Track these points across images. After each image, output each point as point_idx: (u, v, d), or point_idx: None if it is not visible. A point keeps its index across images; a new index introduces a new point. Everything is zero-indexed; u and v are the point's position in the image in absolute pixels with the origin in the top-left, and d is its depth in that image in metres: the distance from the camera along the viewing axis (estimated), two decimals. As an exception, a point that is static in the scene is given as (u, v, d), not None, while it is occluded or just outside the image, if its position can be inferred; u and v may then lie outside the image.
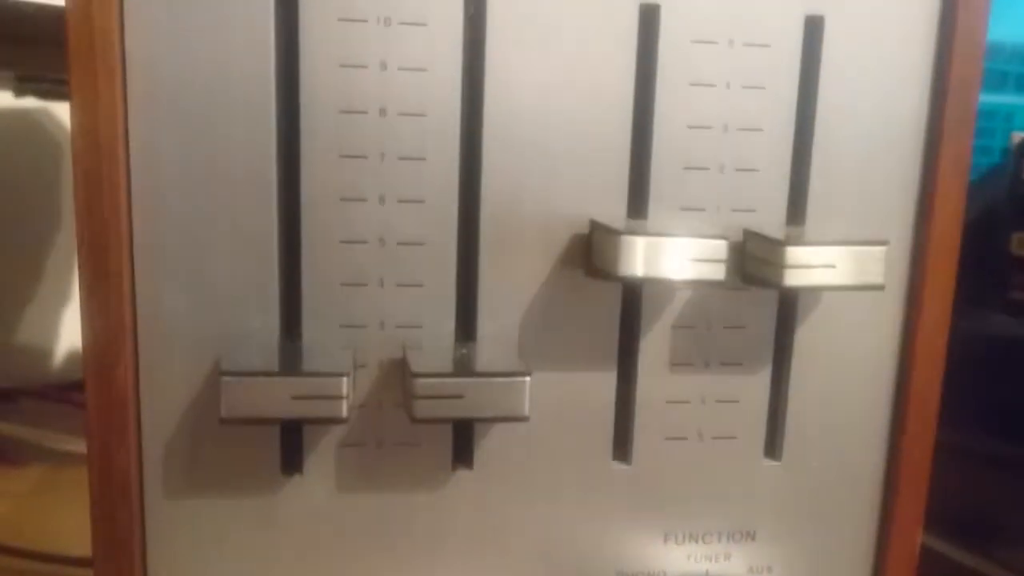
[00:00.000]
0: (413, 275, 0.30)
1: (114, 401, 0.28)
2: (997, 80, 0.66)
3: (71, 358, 0.76)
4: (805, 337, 0.32)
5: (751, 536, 0.33)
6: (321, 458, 0.30)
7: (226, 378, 0.26)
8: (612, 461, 0.32)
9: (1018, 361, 0.45)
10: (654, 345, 0.31)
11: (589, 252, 0.30)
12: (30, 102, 0.69)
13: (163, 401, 0.29)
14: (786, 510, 0.33)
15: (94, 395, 0.28)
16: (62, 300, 0.75)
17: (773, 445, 0.33)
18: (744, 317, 0.32)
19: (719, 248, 0.28)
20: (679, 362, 0.32)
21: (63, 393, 0.70)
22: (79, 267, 0.27)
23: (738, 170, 0.31)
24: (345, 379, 0.26)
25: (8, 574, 0.47)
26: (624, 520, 0.32)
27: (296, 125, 0.28)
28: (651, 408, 0.32)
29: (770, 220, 0.31)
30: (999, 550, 0.46)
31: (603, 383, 0.31)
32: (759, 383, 0.32)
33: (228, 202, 0.28)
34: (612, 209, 0.30)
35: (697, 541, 0.33)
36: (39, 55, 0.49)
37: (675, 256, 0.28)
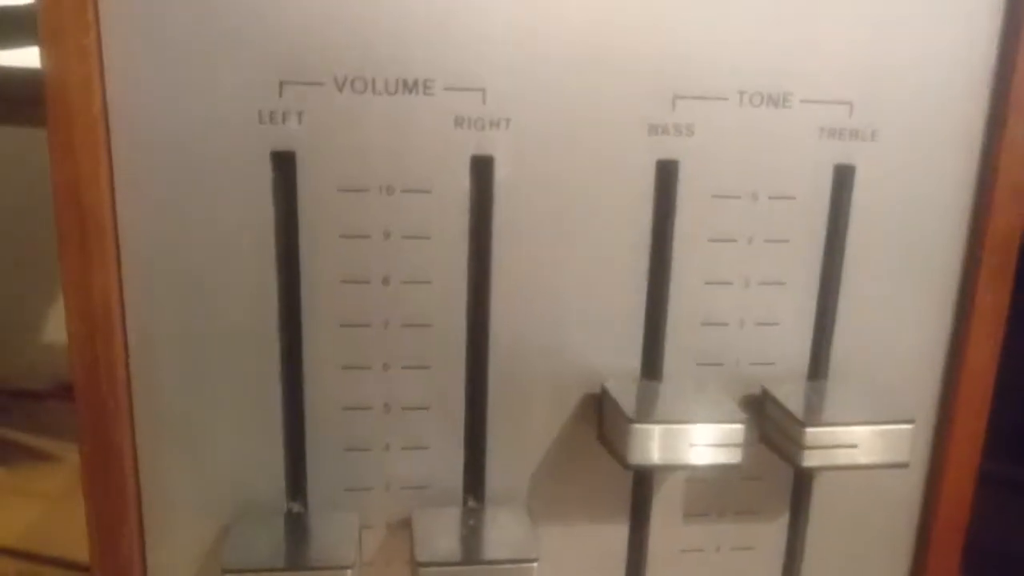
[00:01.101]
0: (419, 439, 0.29)
1: (120, 573, 0.28)
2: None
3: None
4: (823, 486, 0.31)
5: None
6: (328, 617, 0.30)
7: None
8: (623, 605, 0.32)
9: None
10: (668, 498, 0.31)
11: (600, 419, 0.29)
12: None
13: (171, 570, 0.29)
14: (800, 653, 0.33)
15: (100, 567, 0.28)
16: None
17: (789, 586, 0.32)
18: (761, 468, 0.31)
19: (736, 433, 0.27)
20: (694, 513, 0.31)
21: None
22: (79, 441, 0.27)
23: (758, 324, 0.30)
24: (349, 572, 0.26)
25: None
26: (634, 664, 0.32)
27: (297, 294, 0.27)
28: (664, 557, 0.31)
29: (790, 372, 0.30)
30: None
31: (615, 534, 0.31)
32: (776, 530, 0.32)
33: (230, 372, 0.27)
34: (625, 363, 0.29)
35: None
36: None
37: (689, 443, 0.27)
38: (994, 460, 0.39)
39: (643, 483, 0.30)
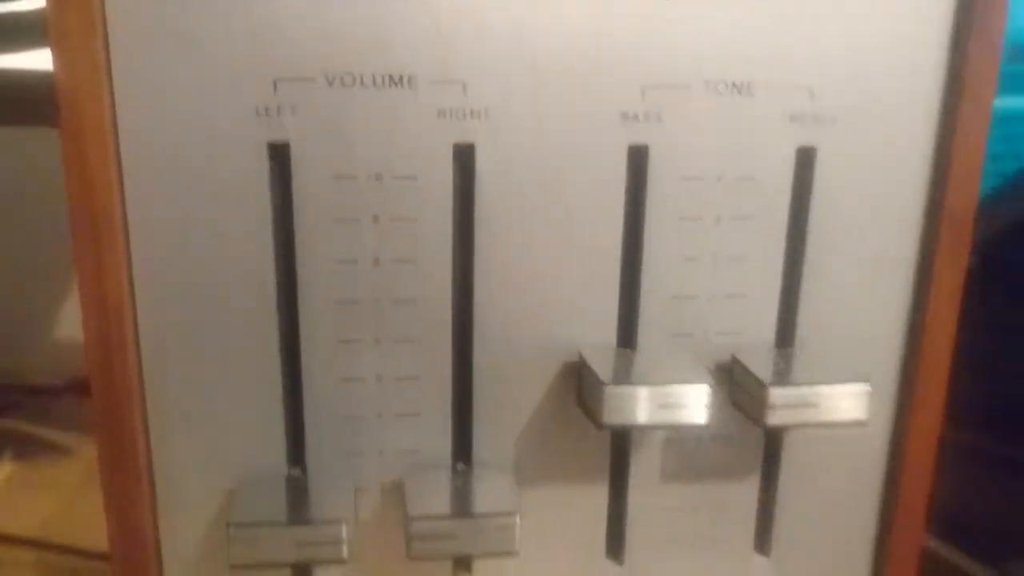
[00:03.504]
0: (410, 407, 0.31)
1: (135, 543, 0.30)
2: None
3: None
4: (793, 448, 0.33)
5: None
6: (329, 573, 0.32)
7: (233, 529, 0.28)
8: (605, 560, 0.34)
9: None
10: (645, 460, 0.33)
11: (579, 385, 0.31)
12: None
13: (182, 534, 0.31)
14: (773, 605, 0.35)
15: (117, 539, 0.30)
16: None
17: (763, 541, 0.35)
18: (733, 427, 0.33)
19: (703, 393, 0.29)
20: (670, 473, 0.33)
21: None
22: (95, 426, 0.29)
23: (727, 297, 0.32)
24: (344, 525, 0.28)
25: (61, 572, 0.50)
26: (617, 617, 0.34)
27: (294, 276, 0.30)
28: (644, 516, 0.33)
29: (758, 342, 0.32)
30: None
31: (596, 495, 0.33)
32: (749, 488, 0.34)
33: (234, 353, 0.30)
34: (603, 335, 0.31)
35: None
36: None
37: (659, 404, 0.29)
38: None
39: (621, 445, 0.33)
